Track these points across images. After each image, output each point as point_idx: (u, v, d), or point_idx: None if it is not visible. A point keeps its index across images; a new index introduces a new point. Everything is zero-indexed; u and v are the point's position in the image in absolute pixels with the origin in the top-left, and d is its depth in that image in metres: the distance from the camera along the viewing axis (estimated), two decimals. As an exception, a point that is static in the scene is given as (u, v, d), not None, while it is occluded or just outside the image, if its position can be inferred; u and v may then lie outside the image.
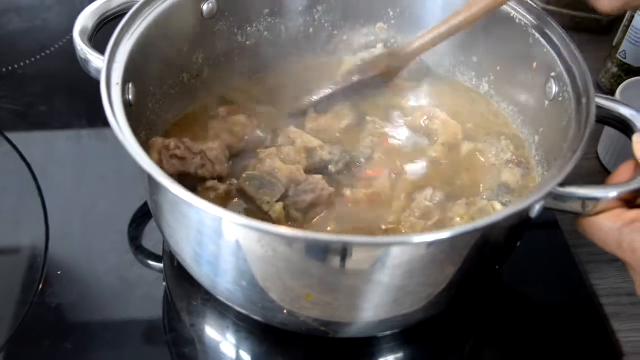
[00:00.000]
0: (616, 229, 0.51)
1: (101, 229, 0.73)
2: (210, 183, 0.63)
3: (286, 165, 0.64)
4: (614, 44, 0.92)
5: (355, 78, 0.75)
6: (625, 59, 0.90)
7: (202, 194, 0.63)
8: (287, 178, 0.63)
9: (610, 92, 0.90)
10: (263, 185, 0.62)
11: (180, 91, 0.73)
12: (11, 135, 0.82)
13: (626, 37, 0.89)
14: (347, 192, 0.65)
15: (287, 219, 0.62)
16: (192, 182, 0.64)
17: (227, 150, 0.67)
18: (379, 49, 0.80)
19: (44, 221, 0.73)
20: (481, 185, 0.68)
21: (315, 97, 0.74)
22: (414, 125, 0.73)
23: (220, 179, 0.65)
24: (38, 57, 0.94)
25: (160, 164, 0.60)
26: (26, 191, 0.76)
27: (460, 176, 0.69)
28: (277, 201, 0.62)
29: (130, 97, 0.60)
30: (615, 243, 0.52)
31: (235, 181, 0.65)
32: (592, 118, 0.57)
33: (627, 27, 0.88)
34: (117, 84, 0.57)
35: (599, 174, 0.82)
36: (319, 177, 0.64)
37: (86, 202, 0.76)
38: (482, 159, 0.70)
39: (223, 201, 0.63)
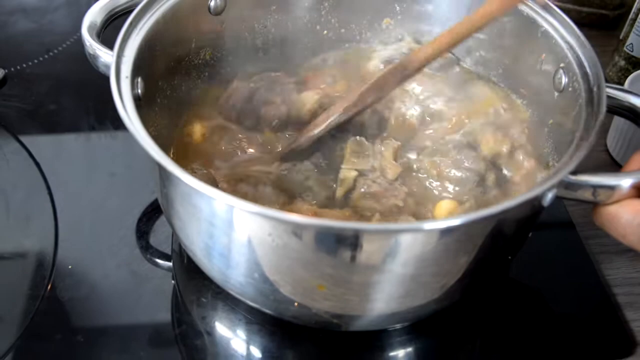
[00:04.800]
0: (637, 224, 0.51)
1: (110, 225, 0.73)
2: None
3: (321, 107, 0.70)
4: (620, 37, 0.92)
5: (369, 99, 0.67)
6: (632, 51, 0.90)
7: None
8: (302, 109, 0.71)
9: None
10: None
11: (187, 88, 0.73)
12: (20, 134, 0.82)
13: (633, 29, 0.89)
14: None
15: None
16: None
17: None
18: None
19: (53, 218, 0.73)
20: None
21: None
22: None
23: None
24: (46, 56, 0.94)
25: None
26: (35, 189, 0.76)
27: None
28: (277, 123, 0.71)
29: (139, 91, 0.60)
30: (636, 238, 0.52)
31: None
32: (604, 107, 0.56)
33: (634, 20, 0.88)
34: (127, 77, 0.57)
35: (609, 167, 0.82)
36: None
37: (95, 199, 0.76)
38: None
39: None
